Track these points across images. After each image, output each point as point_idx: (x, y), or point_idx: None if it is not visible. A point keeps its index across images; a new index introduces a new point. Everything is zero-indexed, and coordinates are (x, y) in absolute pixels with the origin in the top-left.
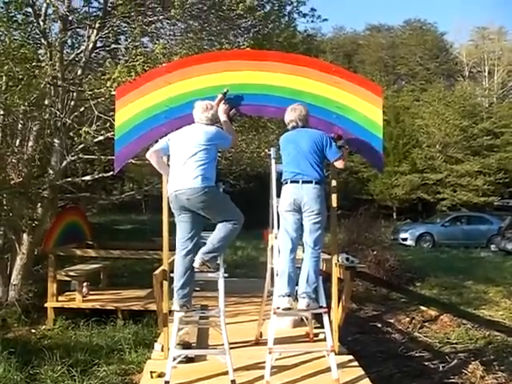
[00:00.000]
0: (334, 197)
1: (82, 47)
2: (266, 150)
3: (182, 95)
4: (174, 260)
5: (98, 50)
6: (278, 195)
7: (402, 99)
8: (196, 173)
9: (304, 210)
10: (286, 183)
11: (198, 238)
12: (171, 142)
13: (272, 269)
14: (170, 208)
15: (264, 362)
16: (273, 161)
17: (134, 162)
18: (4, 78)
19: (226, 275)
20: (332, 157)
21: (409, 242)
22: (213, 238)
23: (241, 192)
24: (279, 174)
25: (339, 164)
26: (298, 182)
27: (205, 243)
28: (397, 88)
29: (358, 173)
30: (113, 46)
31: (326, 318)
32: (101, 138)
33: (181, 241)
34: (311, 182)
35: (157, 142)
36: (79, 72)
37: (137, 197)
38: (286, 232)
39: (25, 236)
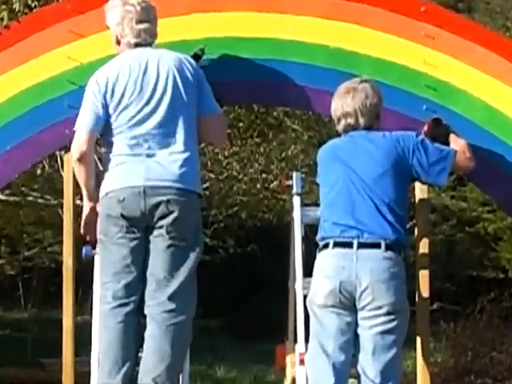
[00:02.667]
0: (423, 275)
1: None
2: (283, 177)
3: (104, 60)
4: None
5: None
6: (308, 273)
7: None
8: (171, 160)
9: (361, 306)
10: (326, 247)
11: (143, 288)
12: (112, 93)
13: None
14: (79, 298)
15: None
16: (296, 199)
17: (1, 197)
18: None
19: None
20: (438, 175)
21: None
22: (148, 361)
23: (228, 263)
24: (310, 229)
25: (465, 165)
26: (349, 245)
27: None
28: None
29: (473, 223)
30: None
31: None
32: None
33: (110, 287)
34: (378, 245)
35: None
36: None
37: (7, 272)
38: (321, 350)
39: None
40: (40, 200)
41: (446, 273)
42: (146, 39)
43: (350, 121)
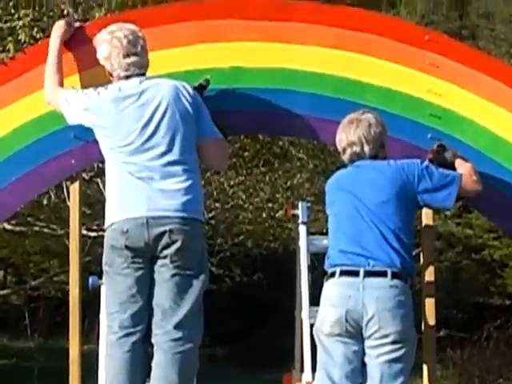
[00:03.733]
0: (429, 303)
1: None
2: (288, 207)
3: None
4: None
5: None
6: (314, 302)
7: None
8: (173, 189)
9: (368, 334)
10: (332, 276)
11: (149, 317)
12: (100, 125)
13: None
14: (85, 327)
15: None
16: (302, 229)
17: (8, 227)
18: None
19: None
20: (444, 200)
21: None
22: None
23: (235, 292)
24: (316, 258)
25: (472, 189)
26: (355, 273)
27: None
28: None
29: (479, 250)
30: None
31: None
32: None
33: (116, 317)
34: (384, 273)
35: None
36: None
37: (13, 301)
38: (328, 379)
39: None
40: (46, 230)
41: (452, 300)
42: (136, 71)
43: (356, 149)
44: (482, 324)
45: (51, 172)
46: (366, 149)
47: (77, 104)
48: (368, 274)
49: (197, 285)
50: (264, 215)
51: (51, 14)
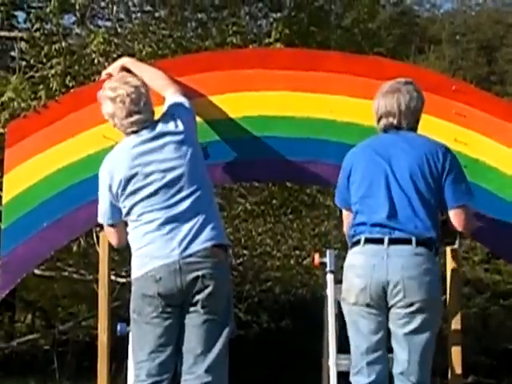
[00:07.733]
0: (455, 351)
1: None
2: (316, 255)
3: None
4: None
5: None
6: (341, 349)
7: None
8: (199, 230)
9: (393, 303)
10: (357, 244)
11: (176, 363)
12: (120, 185)
13: None
14: (112, 371)
15: None
16: (330, 277)
17: (38, 273)
18: None
19: None
20: (456, 199)
21: None
22: None
23: (261, 338)
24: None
25: (461, 223)
26: (380, 241)
27: None
28: None
29: (508, 296)
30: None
31: None
32: None
33: (144, 366)
34: (409, 241)
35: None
36: None
37: (43, 347)
38: (356, 350)
39: None
40: (75, 275)
41: (480, 346)
42: (140, 126)
43: (392, 120)
44: (511, 371)
45: (82, 219)
46: (404, 122)
47: (105, 200)
48: (392, 241)
49: (225, 329)
50: (292, 262)
51: (82, 62)
